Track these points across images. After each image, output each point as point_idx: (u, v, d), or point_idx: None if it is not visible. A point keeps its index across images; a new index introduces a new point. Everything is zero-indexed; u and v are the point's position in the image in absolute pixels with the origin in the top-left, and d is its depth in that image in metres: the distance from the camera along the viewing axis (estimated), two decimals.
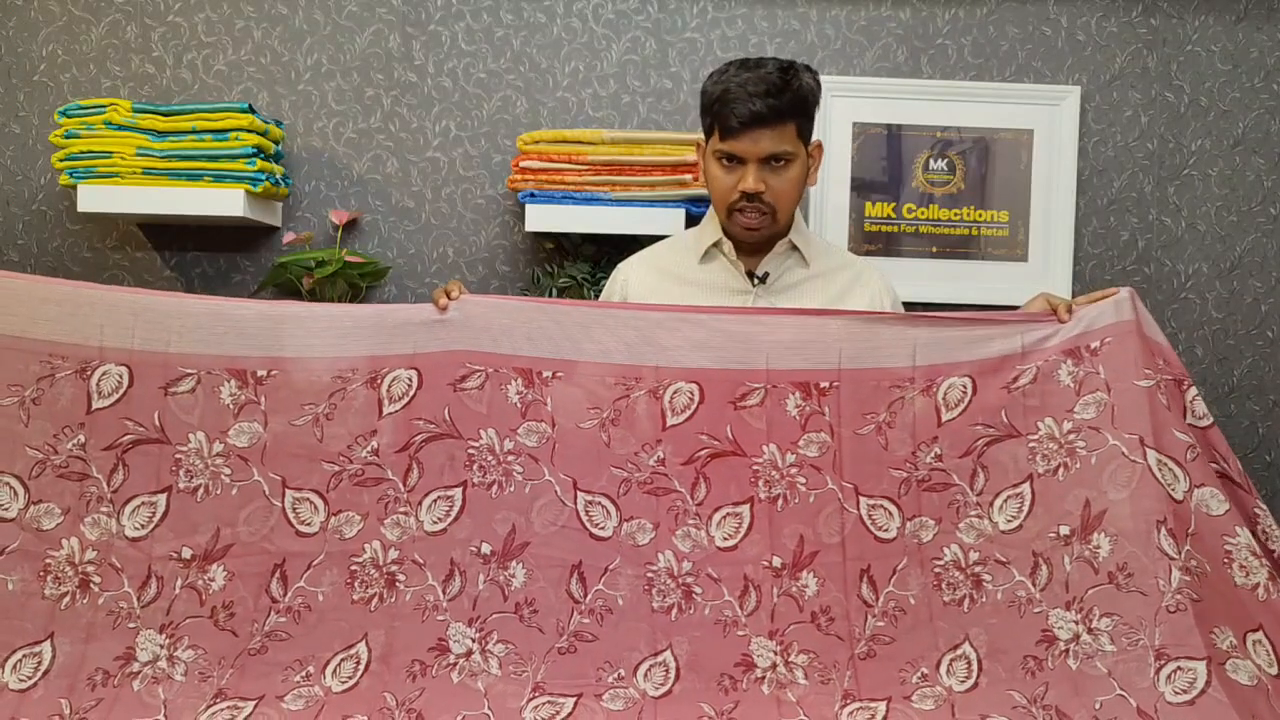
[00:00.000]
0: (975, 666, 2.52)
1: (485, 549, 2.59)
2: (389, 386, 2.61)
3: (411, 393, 2.61)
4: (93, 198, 3.42)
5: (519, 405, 2.64)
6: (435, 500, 2.60)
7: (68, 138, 3.41)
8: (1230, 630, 2.44)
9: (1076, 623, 2.49)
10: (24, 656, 2.40)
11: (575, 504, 2.62)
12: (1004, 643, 2.53)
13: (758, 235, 2.90)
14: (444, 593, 2.55)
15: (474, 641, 2.53)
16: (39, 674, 2.39)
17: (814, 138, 2.91)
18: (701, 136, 2.96)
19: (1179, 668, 2.37)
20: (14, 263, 3.74)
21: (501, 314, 2.68)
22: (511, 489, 2.61)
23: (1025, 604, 2.55)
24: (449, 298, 2.68)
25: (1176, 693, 2.35)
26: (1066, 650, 2.48)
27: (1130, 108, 3.83)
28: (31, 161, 3.75)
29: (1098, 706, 2.40)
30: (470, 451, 2.62)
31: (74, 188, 3.45)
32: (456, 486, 2.61)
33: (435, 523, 2.59)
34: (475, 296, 2.71)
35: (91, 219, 3.72)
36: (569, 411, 2.65)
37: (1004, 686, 2.48)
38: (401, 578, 2.55)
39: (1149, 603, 2.44)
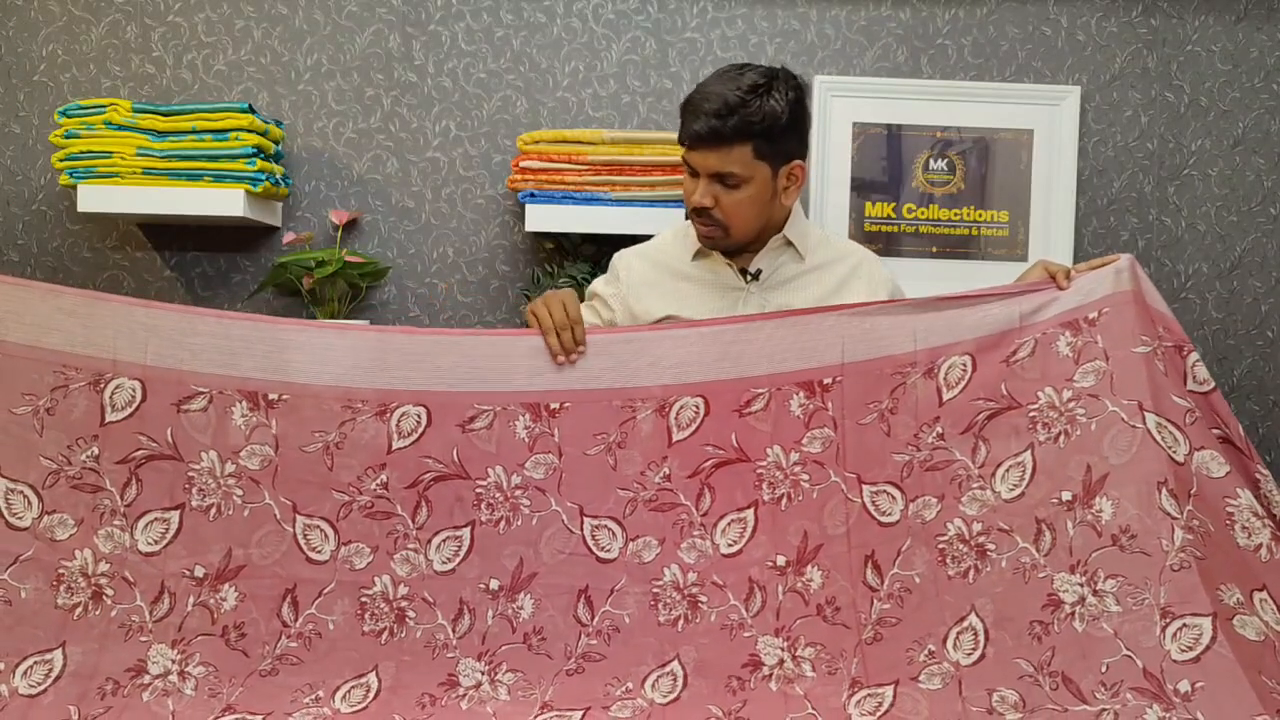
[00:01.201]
0: (982, 637, 2.51)
1: (494, 585, 2.58)
2: (398, 421, 2.60)
3: (420, 429, 2.60)
4: (93, 198, 3.42)
5: (527, 440, 2.63)
6: (444, 540, 2.59)
7: (68, 138, 3.41)
8: (1236, 588, 2.44)
9: (1081, 585, 2.47)
10: (35, 663, 2.39)
11: (582, 530, 2.62)
12: (1010, 610, 2.52)
13: (713, 245, 2.89)
14: (454, 631, 2.55)
15: (483, 674, 2.53)
16: (49, 680, 2.38)
17: (797, 159, 2.85)
18: None
19: (1184, 625, 2.36)
20: (14, 263, 3.74)
21: (506, 348, 2.67)
22: (519, 523, 2.61)
23: (1030, 570, 2.53)
24: (574, 342, 2.66)
25: (1182, 650, 2.34)
26: (1072, 613, 2.46)
27: (1130, 108, 3.84)
28: (31, 161, 3.75)
29: (1104, 669, 2.38)
30: (478, 491, 2.61)
31: (74, 188, 3.45)
32: (465, 526, 2.60)
33: (444, 563, 2.58)
34: (489, 336, 2.71)
35: (91, 219, 3.72)
36: (576, 440, 2.64)
37: (1011, 655, 2.47)
38: (412, 614, 2.55)
39: (1153, 563, 2.43)
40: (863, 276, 2.97)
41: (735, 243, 2.88)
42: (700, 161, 2.77)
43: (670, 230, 3.14)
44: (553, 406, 2.64)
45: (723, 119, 2.70)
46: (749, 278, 2.92)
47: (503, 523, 2.61)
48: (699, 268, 2.96)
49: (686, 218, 2.92)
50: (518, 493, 2.62)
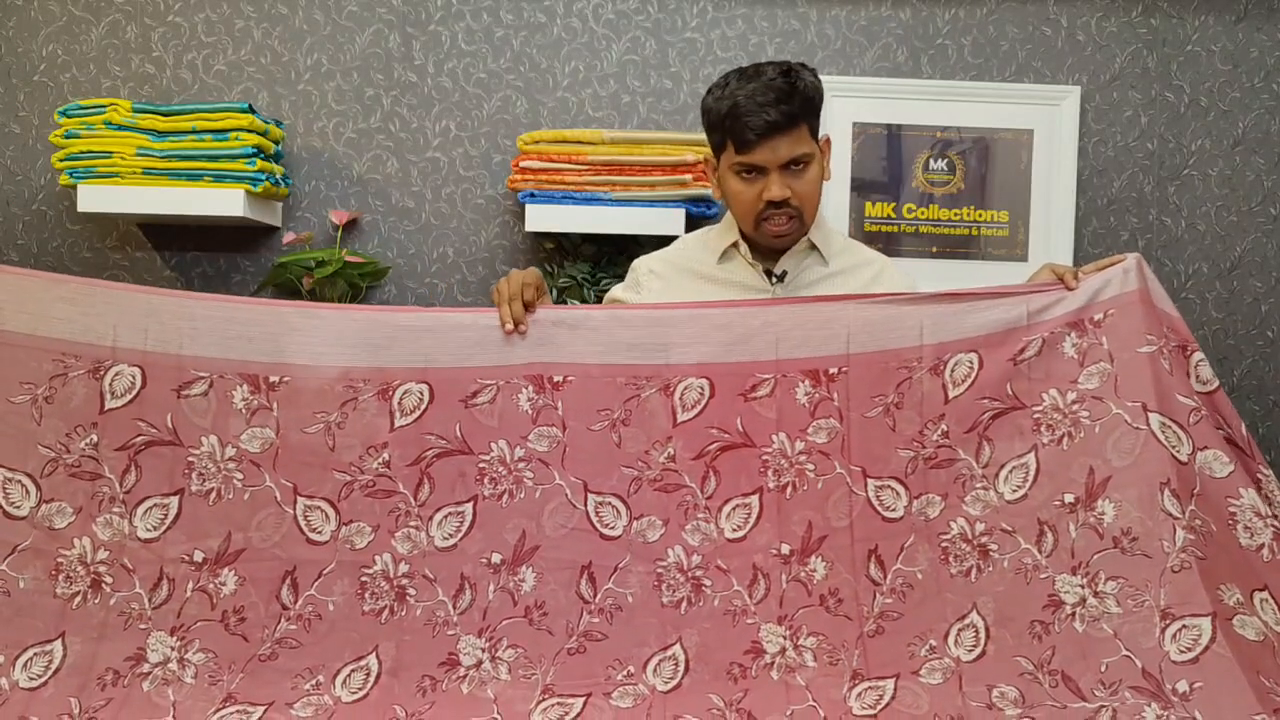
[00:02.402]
0: (983, 634, 2.52)
1: (496, 558, 2.58)
2: (400, 399, 2.59)
3: (423, 407, 2.60)
4: (93, 198, 3.42)
5: (530, 412, 2.62)
6: (446, 516, 2.59)
7: (68, 138, 3.42)
8: (1237, 588, 2.45)
9: (1082, 587, 2.49)
10: (35, 655, 2.39)
11: (585, 506, 2.61)
12: (1011, 609, 2.53)
13: (788, 240, 2.89)
14: (454, 607, 2.55)
15: (483, 651, 2.52)
16: (49, 672, 2.39)
17: (823, 135, 2.90)
18: (708, 149, 2.95)
19: (1184, 626, 2.38)
20: (14, 263, 3.71)
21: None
22: (522, 495, 2.60)
23: (1031, 571, 2.54)
24: (524, 315, 2.66)
25: (1181, 651, 2.36)
26: (1073, 614, 2.48)
27: (1130, 108, 3.84)
28: (31, 161, 3.75)
29: (1103, 669, 2.40)
30: (481, 465, 2.60)
31: (74, 188, 3.46)
32: (467, 501, 2.59)
33: (446, 539, 2.57)
34: (491, 312, 2.67)
35: (91, 219, 3.72)
36: (580, 414, 2.63)
37: (1011, 653, 2.49)
38: (412, 592, 2.54)
39: (1154, 564, 2.44)
40: (885, 283, 2.96)
41: (804, 230, 2.90)
42: (771, 155, 2.76)
43: (690, 235, 3.15)
44: (556, 380, 2.63)
45: (787, 103, 2.73)
46: (774, 280, 2.92)
47: (505, 496, 2.60)
48: (724, 270, 2.96)
49: (750, 228, 2.90)
50: (521, 465, 2.61)
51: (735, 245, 2.95)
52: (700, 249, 3.03)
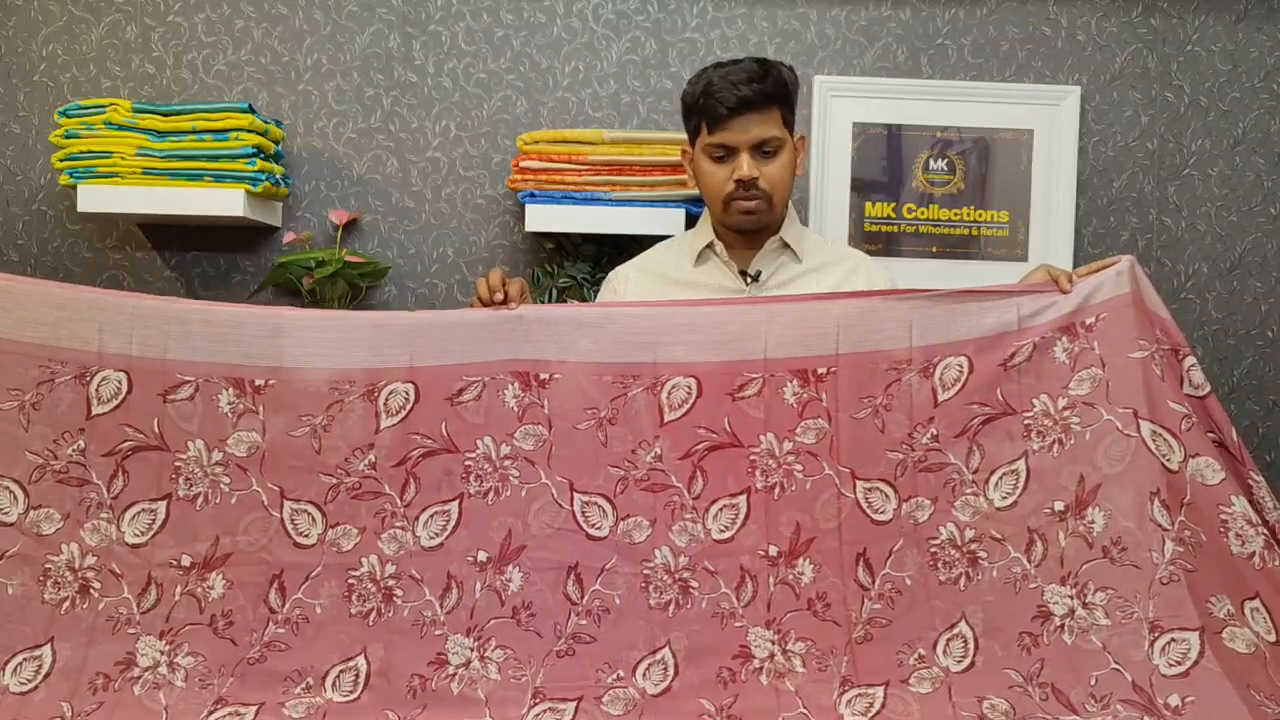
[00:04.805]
0: (972, 645, 2.52)
1: (482, 557, 2.58)
2: (386, 400, 2.59)
3: (409, 407, 2.60)
4: (93, 198, 3.42)
5: (516, 409, 2.62)
6: (432, 515, 2.59)
7: (68, 138, 3.41)
8: (1227, 599, 2.46)
9: (1071, 598, 2.49)
10: (24, 660, 2.41)
11: (572, 505, 2.61)
12: (1000, 620, 2.53)
13: (756, 221, 2.91)
14: (441, 606, 2.55)
15: (472, 650, 2.53)
16: (39, 677, 2.40)
17: (798, 132, 2.95)
18: (687, 142, 3.01)
19: (1172, 639, 2.39)
20: (14, 263, 3.74)
21: (497, 321, 2.65)
22: (508, 493, 2.60)
23: (1021, 580, 2.55)
24: (506, 297, 2.68)
25: (1170, 665, 2.38)
26: (1062, 625, 2.48)
27: (1130, 108, 3.83)
28: (31, 161, 3.75)
29: (1093, 682, 2.41)
30: (467, 463, 2.60)
31: (74, 188, 3.45)
32: (453, 500, 2.60)
33: (432, 538, 2.58)
34: (476, 313, 2.68)
35: (91, 219, 3.72)
36: (566, 413, 2.63)
37: (1000, 665, 2.49)
38: (399, 593, 2.55)
39: (1142, 576, 2.45)
40: (861, 278, 2.99)
41: (773, 216, 2.94)
42: (739, 135, 2.83)
43: (664, 242, 3.19)
44: (542, 377, 2.63)
45: (759, 83, 2.81)
46: (749, 279, 2.93)
47: (491, 494, 2.60)
48: (699, 273, 2.99)
49: (718, 210, 2.92)
50: (506, 463, 2.61)
51: (710, 246, 2.98)
52: (676, 254, 3.06)
